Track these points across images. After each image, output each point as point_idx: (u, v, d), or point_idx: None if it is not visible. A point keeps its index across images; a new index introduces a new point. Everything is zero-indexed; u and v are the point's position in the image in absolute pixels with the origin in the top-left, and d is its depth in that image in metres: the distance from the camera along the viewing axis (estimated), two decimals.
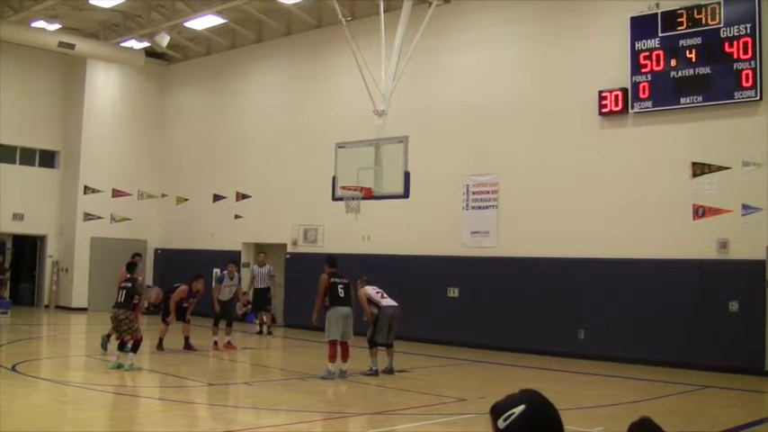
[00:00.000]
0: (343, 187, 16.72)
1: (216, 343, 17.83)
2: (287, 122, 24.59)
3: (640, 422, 4.31)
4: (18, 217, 26.95)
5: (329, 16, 21.94)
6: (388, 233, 21.03)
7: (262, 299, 21.45)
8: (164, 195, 28.88)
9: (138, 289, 14.77)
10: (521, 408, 2.53)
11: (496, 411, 2.57)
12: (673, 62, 16.57)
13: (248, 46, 26.28)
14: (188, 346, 17.39)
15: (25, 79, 27.48)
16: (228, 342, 18.01)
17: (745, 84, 15.50)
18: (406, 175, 16.25)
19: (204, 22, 25.12)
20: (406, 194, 16.30)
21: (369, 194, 16.93)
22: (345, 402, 12.07)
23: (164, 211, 28.76)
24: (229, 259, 19.87)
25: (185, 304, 17.41)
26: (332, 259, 15.20)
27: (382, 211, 19.04)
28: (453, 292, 19.92)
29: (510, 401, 2.57)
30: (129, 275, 15.00)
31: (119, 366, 13.86)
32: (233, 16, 24.85)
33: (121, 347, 14.27)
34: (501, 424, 2.53)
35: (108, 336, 15.94)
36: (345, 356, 14.21)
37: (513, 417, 2.52)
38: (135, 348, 14.17)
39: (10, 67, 26.69)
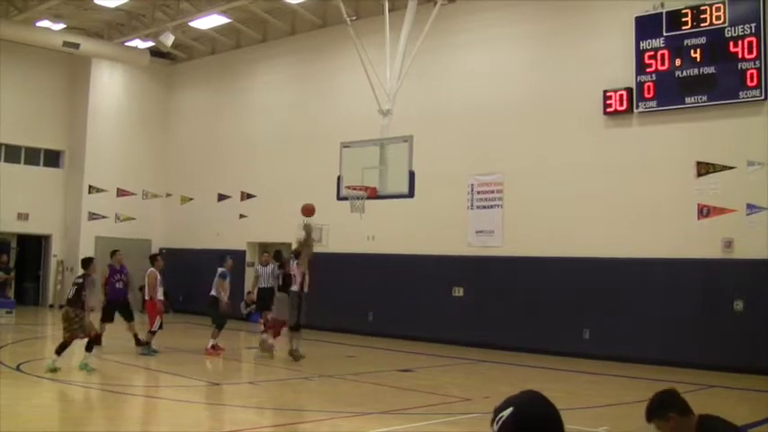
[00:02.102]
0: (348, 187, 16.72)
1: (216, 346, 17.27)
2: (292, 122, 24.60)
3: (667, 392, 4.31)
4: (23, 216, 27.00)
5: (334, 16, 21.94)
6: (392, 233, 21.02)
7: (266, 299, 21.40)
8: (168, 195, 28.93)
9: (88, 286, 14.26)
10: (509, 411, 2.51)
11: (493, 414, 2.57)
12: (677, 62, 16.55)
13: (253, 45, 26.30)
14: (138, 343, 16.74)
15: (30, 79, 27.54)
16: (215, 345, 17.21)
17: (749, 83, 15.48)
18: (411, 175, 16.23)
19: (209, 21, 25.15)
20: (410, 194, 16.28)
21: (373, 194, 16.92)
22: (350, 402, 12.01)
23: (168, 211, 28.79)
24: (219, 257, 19.62)
25: (118, 284, 16.98)
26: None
27: (387, 210, 19.02)
28: (458, 292, 19.92)
29: (504, 404, 2.55)
30: (83, 271, 14.36)
31: (85, 366, 13.53)
32: (238, 16, 24.88)
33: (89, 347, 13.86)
34: (495, 427, 2.53)
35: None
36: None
37: (502, 420, 2.50)
38: (89, 347, 13.77)
39: (15, 67, 26.75)
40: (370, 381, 13.90)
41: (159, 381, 13.90)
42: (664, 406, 4.40)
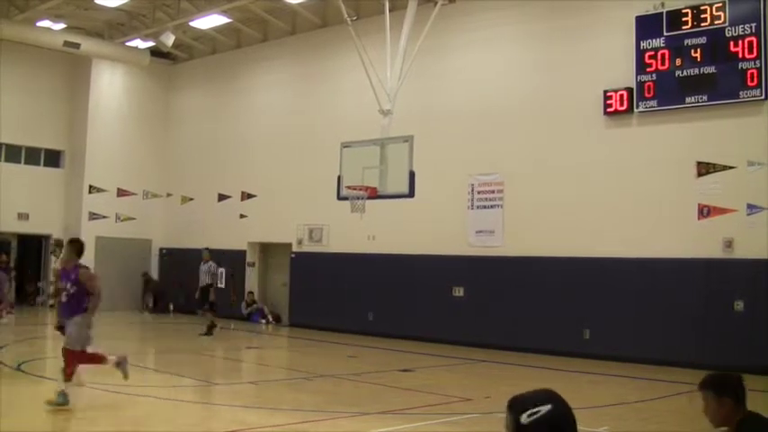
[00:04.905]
0: (349, 187, 16.73)
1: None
2: (292, 122, 24.57)
3: (736, 377, 4.28)
4: (23, 216, 26.96)
5: (334, 16, 21.93)
6: (393, 232, 20.99)
7: (202, 297, 20.88)
8: (169, 195, 28.89)
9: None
10: (547, 407, 2.55)
11: (518, 406, 2.59)
12: (678, 61, 16.54)
13: (253, 45, 26.30)
14: None
15: (30, 78, 27.56)
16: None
17: (750, 83, 15.48)
18: (411, 175, 16.27)
19: (209, 21, 25.15)
20: (411, 194, 16.31)
21: (374, 194, 16.96)
22: (350, 402, 12.02)
23: (168, 211, 28.75)
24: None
25: None
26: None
27: (387, 210, 19.01)
28: (458, 292, 19.89)
29: (534, 398, 2.59)
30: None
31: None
32: (238, 16, 24.88)
33: None
34: (524, 419, 2.55)
35: None
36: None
37: (538, 414, 2.54)
38: None
39: (15, 67, 26.79)
40: (371, 381, 13.90)
41: (159, 381, 13.89)
42: (725, 385, 4.37)
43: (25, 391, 11.71)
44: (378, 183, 16.50)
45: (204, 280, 20.73)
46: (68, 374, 10.35)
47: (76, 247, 11.30)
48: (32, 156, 28.04)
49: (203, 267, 20.87)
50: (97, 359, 10.96)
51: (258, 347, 19.56)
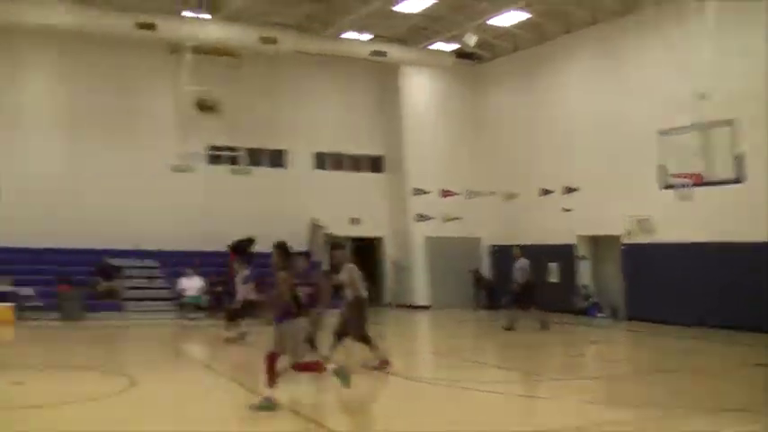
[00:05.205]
0: (672, 175, 16.55)
1: None
2: (603, 112, 24.03)
3: None
4: (355, 221, 28.70)
5: (637, 0, 21.44)
6: (724, 220, 19.50)
7: (521, 295, 20.80)
8: (492, 193, 28.94)
9: None
10: None
11: None
12: None
13: (556, 39, 26.10)
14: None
15: (346, 90, 29.68)
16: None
17: None
18: (738, 159, 15.78)
19: (509, 18, 25.44)
20: (739, 179, 15.77)
21: (699, 181, 16.63)
22: (697, 398, 11.46)
23: (493, 208, 28.75)
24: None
25: None
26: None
27: (715, 196, 18.09)
28: None
29: None
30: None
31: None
32: (537, 9, 24.92)
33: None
34: None
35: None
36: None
37: None
38: None
39: (331, 81, 29.11)
40: (714, 376, 13.51)
41: (498, 376, 14.02)
42: None
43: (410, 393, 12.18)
44: (702, 169, 16.20)
45: (518, 277, 21.00)
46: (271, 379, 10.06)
47: (281, 251, 10.38)
48: (356, 163, 29.91)
49: (517, 265, 21.15)
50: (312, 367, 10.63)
51: (596, 342, 19.49)
